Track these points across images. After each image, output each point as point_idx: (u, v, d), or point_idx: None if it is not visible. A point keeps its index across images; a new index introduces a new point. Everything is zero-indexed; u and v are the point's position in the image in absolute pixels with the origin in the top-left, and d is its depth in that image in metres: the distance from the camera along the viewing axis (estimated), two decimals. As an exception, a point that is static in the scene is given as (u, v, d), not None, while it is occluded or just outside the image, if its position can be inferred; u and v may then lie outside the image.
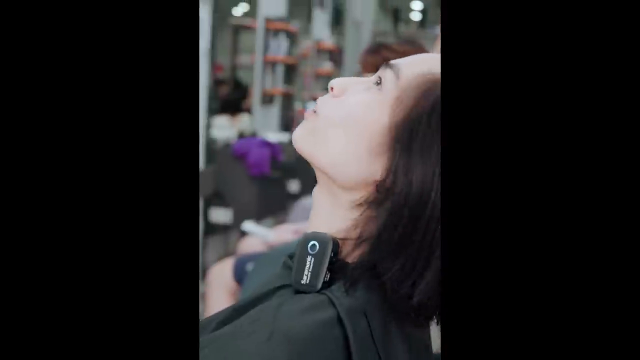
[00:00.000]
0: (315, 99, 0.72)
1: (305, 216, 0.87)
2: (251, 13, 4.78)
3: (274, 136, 3.96)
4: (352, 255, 0.64)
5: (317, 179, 0.69)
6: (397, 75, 0.65)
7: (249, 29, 5.03)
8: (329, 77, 5.49)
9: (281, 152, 3.67)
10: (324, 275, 0.63)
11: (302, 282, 0.63)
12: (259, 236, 2.42)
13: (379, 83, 0.66)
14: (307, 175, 3.62)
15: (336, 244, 0.64)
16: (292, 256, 0.67)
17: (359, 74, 1.84)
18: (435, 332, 0.66)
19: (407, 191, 0.60)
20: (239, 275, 2.07)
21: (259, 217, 3.38)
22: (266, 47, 4.51)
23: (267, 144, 3.57)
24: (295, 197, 3.75)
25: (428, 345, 0.68)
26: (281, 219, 3.66)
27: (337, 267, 0.63)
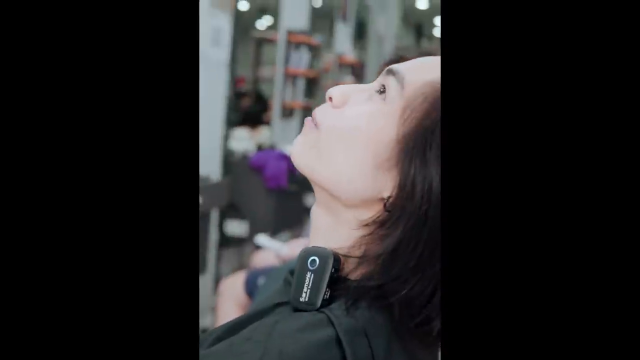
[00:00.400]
0: None
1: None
2: (274, 26, 4.80)
3: (293, 149, 3.93)
4: (354, 273, 0.61)
5: (316, 196, 0.66)
6: (401, 84, 0.61)
7: (272, 41, 5.05)
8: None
9: (299, 166, 3.64)
10: (323, 293, 0.59)
11: (301, 299, 0.60)
12: (272, 250, 2.40)
13: (382, 91, 0.63)
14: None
15: (337, 260, 0.60)
16: (294, 272, 0.63)
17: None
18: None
19: (427, 207, 0.57)
20: (250, 288, 2.05)
21: (275, 231, 3.37)
22: (287, 60, 4.51)
23: (285, 157, 3.54)
24: (312, 211, 3.72)
25: None
26: (297, 233, 3.64)
27: (338, 285, 0.60)
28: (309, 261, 0.60)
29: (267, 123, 4.81)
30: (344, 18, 5.88)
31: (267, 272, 2.06)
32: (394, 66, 0.63)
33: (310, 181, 0.65)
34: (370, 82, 0.68)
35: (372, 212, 0.61)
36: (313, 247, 0.62)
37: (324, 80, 5.48)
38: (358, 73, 6.31)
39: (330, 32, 5.78)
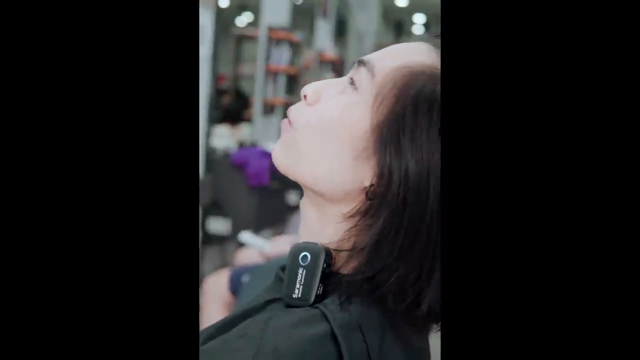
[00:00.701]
0: None
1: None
2: (255, 23, 4.79)
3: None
4: (346, 266, 0.61)
5: (304, 192, 0.66)
6: (371, 73, 0.61)
7: (252, 38, 5.03)
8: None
9: (281, 163, 3.64)
10: (316, 288, 0.59)
11: (294, 296, 0.59)
12: (256, 247, 2.40)
13: (353, 83, 0.63)
14: (307, 186, 3.59)
15: (329, 255, 0.60)
16: (285, 268, 0.63)
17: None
18: (433, 339, 0.62)
19: (404, 192, 0.57)
20: (235, 286, 2.05)
21: (257, 228, 3.36)
22: (268, 57, 4.49)
23: (266, 155, 3.53)
24: (294, 208, 3.73)
25: (428, 355, 0.65)
26: (280, 230, 3.63)
27: (330, 279, 0.60)
28: (300, 257, 0.60)
29: (248, 120, 4.80)
30: (325, 15, 5.88)
31: (251, 269, 2.06)
32: (364, 57, 0.64)
33: (295, 180, 0.65)
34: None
35: (357, 203, 0.61)
36: (304, 242, 0.62)
37: (305, 77, 5.48)
38: (338, 70, 6.31)
39: (310, 28, 5.79)
